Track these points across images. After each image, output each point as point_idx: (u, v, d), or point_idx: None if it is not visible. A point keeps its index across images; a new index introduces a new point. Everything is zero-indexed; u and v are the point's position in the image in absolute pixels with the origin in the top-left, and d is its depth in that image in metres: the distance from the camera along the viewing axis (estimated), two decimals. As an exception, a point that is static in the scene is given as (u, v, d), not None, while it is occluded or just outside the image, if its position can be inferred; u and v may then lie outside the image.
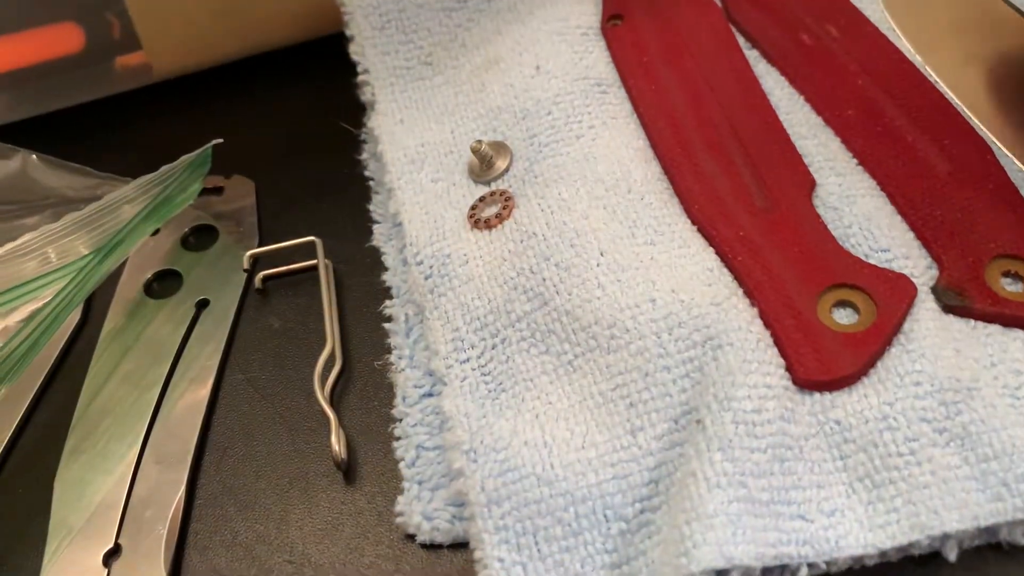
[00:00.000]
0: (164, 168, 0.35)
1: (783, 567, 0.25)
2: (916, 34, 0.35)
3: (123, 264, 0.36)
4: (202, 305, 0.35)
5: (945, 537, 0.25)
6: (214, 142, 0.36)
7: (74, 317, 0.35)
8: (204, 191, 0.38)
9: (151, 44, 0.40)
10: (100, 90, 0.41)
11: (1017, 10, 0.35)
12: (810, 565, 0.25)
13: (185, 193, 0.36)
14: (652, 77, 0.35)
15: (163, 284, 0.36)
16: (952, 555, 0.25)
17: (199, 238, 0.38)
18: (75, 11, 0.39)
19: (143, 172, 0.38)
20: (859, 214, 0.30)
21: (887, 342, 0.27)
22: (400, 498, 0.28)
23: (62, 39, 0.40)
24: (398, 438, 0.30)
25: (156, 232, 0.37)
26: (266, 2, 0.40)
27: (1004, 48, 0.34)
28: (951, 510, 0.25)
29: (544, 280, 0.30)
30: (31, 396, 0.33)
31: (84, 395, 0.33)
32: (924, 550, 0.25)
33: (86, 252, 0.34)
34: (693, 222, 0.31)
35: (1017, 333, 0.27)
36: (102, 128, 0.41)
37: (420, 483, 0.28)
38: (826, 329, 0.27)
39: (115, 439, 0.32)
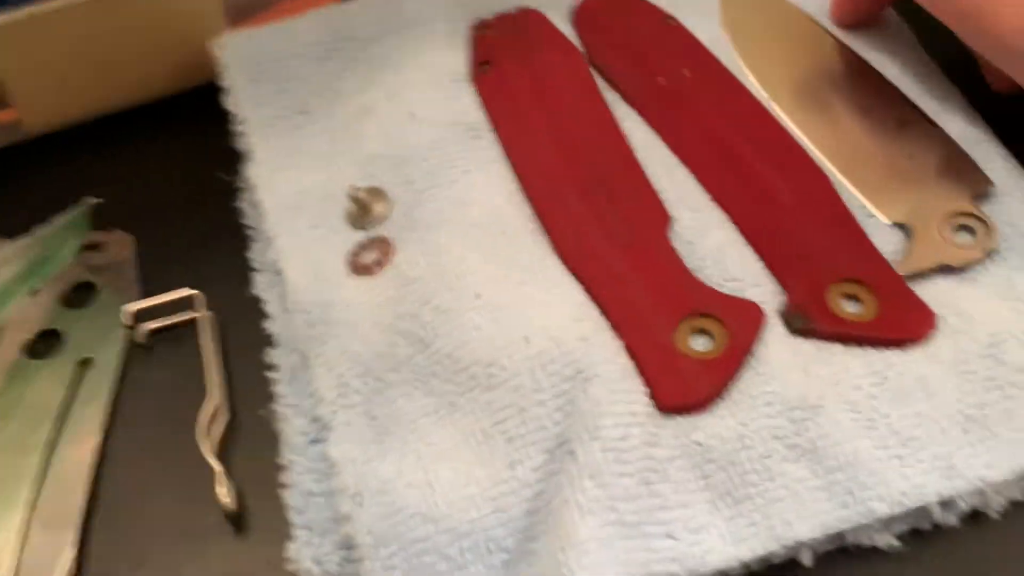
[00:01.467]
0: (39, 229, 0.35)
1: None
2: (764, 72, 0.39)
3: (1, 326, 0.36)
4: (85, 363, 0.36)
5: (799, 545, 0.27)
6: (90, 201, 0.36)
7: (-49, 382, 0.35)
8: (83, 247, 0.38)
9: (21, 101, 0.41)
10: (-32, 148, 0.41)
11: (852, 51, 0.39)
12: None
13: (63, 251, 0.36)
14: (520, 121, 0.37)
15: (44, 344, 0.36)
16: (807, 560, 0.28)
17: (79, 295, 0.38)
18: None
19: (18, 229, 0.38)
20: (711, 247, 0.33)
21: (740, 366, 0.30)
22: (291, 544, 0.29)
23: None
24: (287, 485, 0.31)
25: (35, 291, 0.37)
26: (139, 57, 0.41)
27: (842, 84, 0.38)
28: (803, 520, 0.27)
29: (424, 324, 0.32)
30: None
31: None
32: (782, 559, 0.28)
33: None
34: (562, 260, 0.33)
35: (857, 351, 0.30)
36: None
37: (310, 529, 0.29)
38: (684, 357, 0.30)
39: (0, 505, 0.32)
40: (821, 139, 0.36)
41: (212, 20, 0.41)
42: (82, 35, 0.39)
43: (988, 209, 0.33)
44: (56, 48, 0.39)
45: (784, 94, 0.38)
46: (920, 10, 0.36)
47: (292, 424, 0.32)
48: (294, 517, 0.30)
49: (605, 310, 0.31)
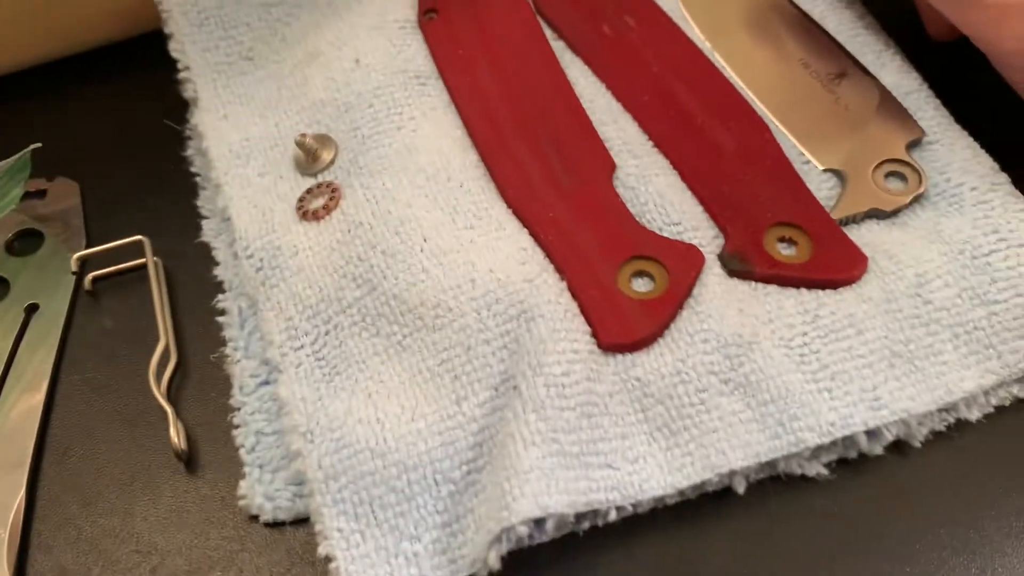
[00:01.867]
0: (-18, 175, 0.35)
1: (595, 512, 0.28)
2: (707, 23, 0.39)
3: (-57, 274, 0.36)
4: (31, 310, 0.36)
5: (732, 473, 0.29)
6: (32, 147, 0.36)
7: None
8: (27, 195, 0.38)
9: (-41, 45, 0.40)
10: (-95, 94, 0.41)
11: (793, 4, 0.39)
12: (618, 508, 0.28)
13: (6, 199, 0.36)
14: (467, 69, 0.38)
15: (-12, 292, 0.36)
16: (740, 488, 0.29)
17: (24, 243, 0.38)
18: None
19: (-41, 177, 0.38)
20: (654, 192, 0.34)
21: (679, 306, 0.31)
22: (242, 482, 0.30)
23: None
24: (237, 426, 0.32)
25: (-23, 240, 0.37)
26: (79, 3, 0.40)
27: (782, 36, 0.39)
28: (736, 449, 0.29)
29: (372, 267, 0.32)
30: None
31: None
32: (716, 487, 0.29)
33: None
34: (508, 205, 0.34)
35: (791, 292, 0.32)
36: None
37: (261, 467, 0.30)
38: (626, 298, 0.31)
39: (-52, 449, 0.32)
40: (760, 88, 0.37)
41: None
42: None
43: (919, 156, 0.35)
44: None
45: (725, 43, 0.39)
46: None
47: (242, 367, 0.32)
48: (245, 456, 0.31)
49: (549, 253, 0.32)
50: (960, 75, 0.38)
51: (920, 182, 0.34)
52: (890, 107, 0.36)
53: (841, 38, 0.38)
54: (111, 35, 0.42)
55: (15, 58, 0.42)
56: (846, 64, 0.37)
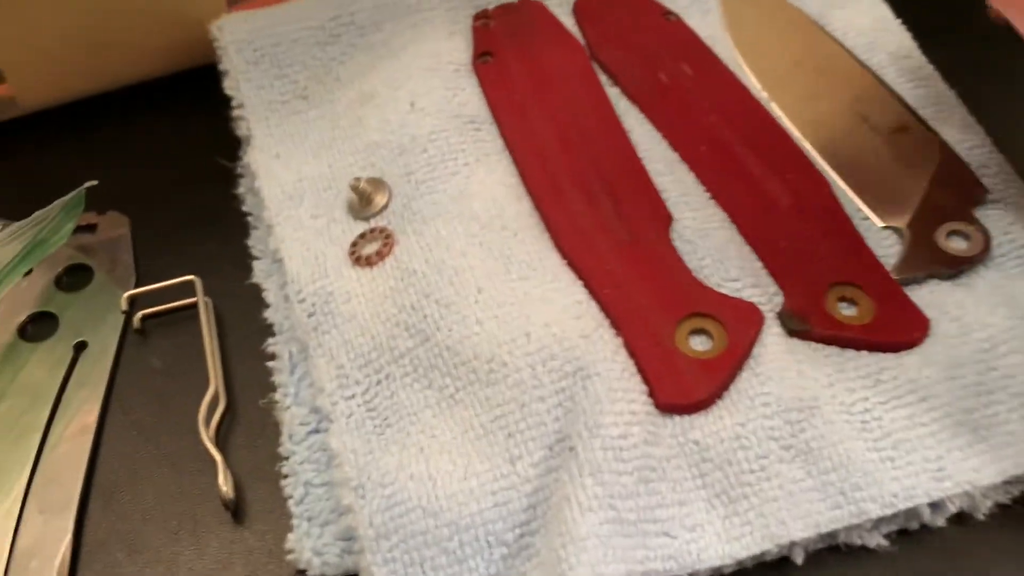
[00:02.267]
0: (38, 213, 0.35)
1: None
2: (764, 72, 0.39)
3: (-7, 307, 0.36)
4: (80, 347, 0.36)
5: (793, 544, 0.28)
6: (88, 184, 0.36)
7: (-56, 365, 0.35)
8: (76, 228, 0.38)
9: (15, 76, 0.40)
10: (-38, 124, 0.41)
11: (851, 54, 0.39)
12: None
13: (59, 234, 0.36)
14: (522, 114, 0.38)
15: (37, 326, 0.36)
16: (799, 559, 0.28)
17: (73, 278, 0.38)
18: None
19: (12, 206, 0.38)
20: (712, 247, 0.33)
21: (738, 367, 0.30)
22: (290, 535, 0.30)
23: None
24: (286, 476, 0.31)
25: (28, 272, 0.37)
26: (135, 35, 0.41)
27: (841, 87, 0.38)
28: (797, 520, 0.28)
29: (425, 317, 0.32)
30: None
31: None
32: (775, 556, 0.28)
33: (-47, 299, 0.34)
34: (562, 256, 0.34)
35: (852, 354, 0.31)
36: None
37: (309, 519, 0.30)
38: (684, 356, 0.30)
39: (-5, 489, 0.32)
40: (818, 141, 0.37)
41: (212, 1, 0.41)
42: (78, 11, 0.39)
43: (982, 215, 0.34)
44: (51, 24, 0.39)
45: (782, 93, 0.38)
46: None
47: (292, 414, 0.32)
48: (293, 508, 0.30)
49: (605, 306, 0.32)
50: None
51: (984, 242, 0.33)
52: (952, 164, 0.35)
53: (901, 89, 0.38)
54: (167, 68, 0.42)
55: (67, 89, 0.42)
56: (907, 118, 0.37)
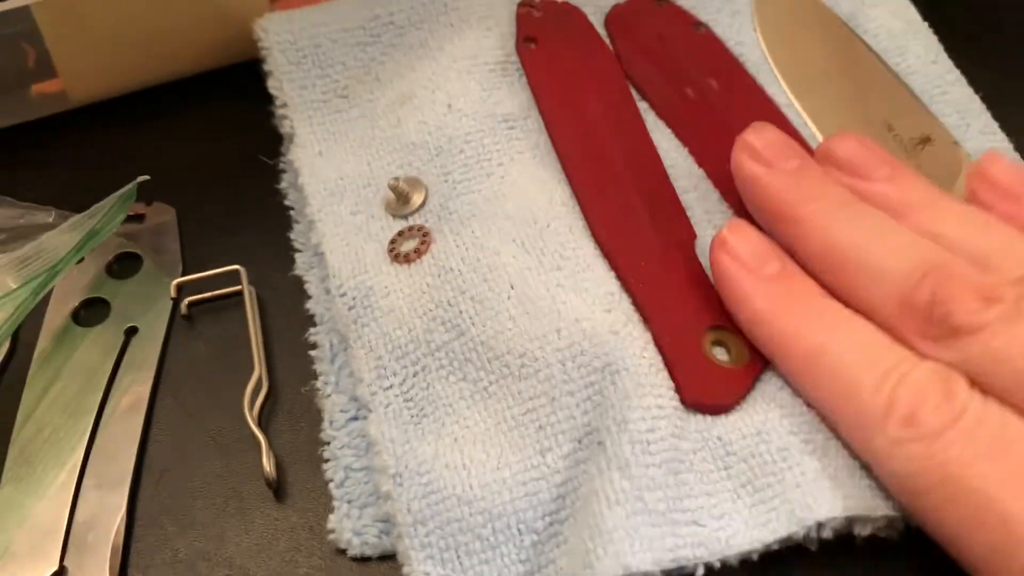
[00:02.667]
0: (95, 206, 0.37)
1: (681, 569, 0.28)
2: (793, 78, 0.40)
3: (48, 293, 0.38)
4: (131, 332, 0.37)
5: (819, 525, 0.29)
6: (141, 178, 0.38)
7: (3, 348, 0.37)
8: (126, 218, 0.40)
9: (67, 72, 0.42)
10: (16, 116, 0.42)
11: (881, 59, 0.40)
12: (704, 565, 0.29)
13: (111, 224, 0.38)
14: (565, 103, 0.38)
15: (90, 312, 0.38)
16: (827, 533, 0.29)
17: (123, 265, 0.39)
18: None
19: (63, 197, 0.40)
20: None
21: (758, 376, 0.31)
22: (331, 516, 0.31)
23: None
24: (327, 460, 0.33)
25: (80, 261, 0.39)
26: (182, 31, 0.42)
27: (870, 94, 0.39)
28: (821, 504, 0.29)
29: (461, 312, 0.33)
30: (-36, 427, 0.35)
31: (19, 423, 0.35)
32: (799, 540, 0.29)
33: (15, 286, 0.35)
34: (598, 243, 0.35)
35: None
36: (20, 154, 0.42)
37: (349, 502, 0.31)
38: (709, 362, 0.31)
39: (53, 465, 0.34)
40: None
41: None
42: (127, 9, 0.40)
43: None
44: (101, 20, 0.40)
45: (813, 101, 0.39)
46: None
47: (332, 402, 0.34)
48: (334, 490, 0.32)
49: (636, 301, 0.33)
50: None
51: None
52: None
53: (927, 97, 0.39)
54: (212, 63, 0.43)
55: (116, 84, 0.43)
56: (932, 127, 0.37)
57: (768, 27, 0.41)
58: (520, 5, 0.41)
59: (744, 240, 0.32)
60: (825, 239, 0.31)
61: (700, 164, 0.37)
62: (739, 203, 0.36)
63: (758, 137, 0.34)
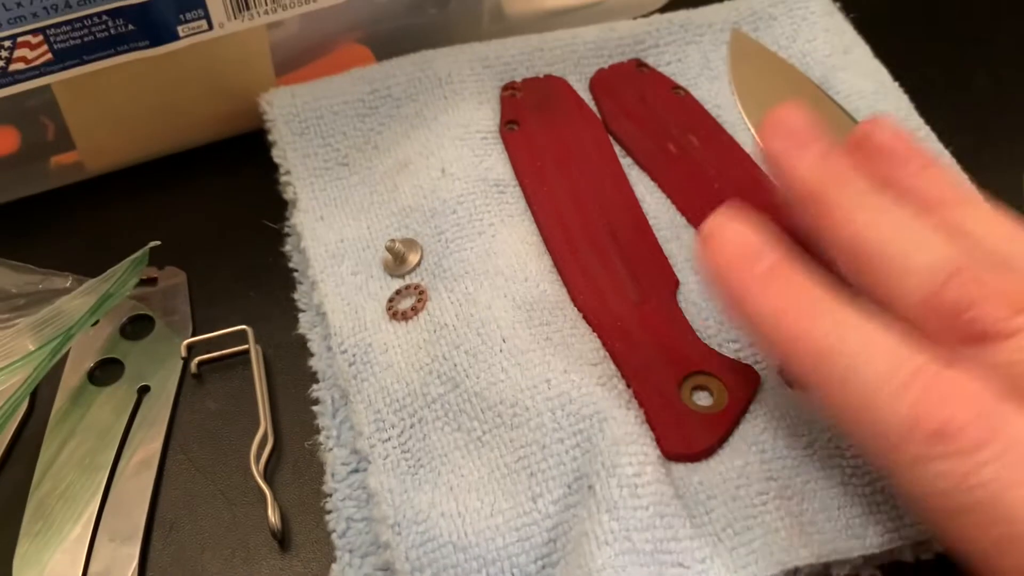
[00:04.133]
0: (109, 271, 0.38)
1: None
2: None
3: (65, 354, 0.39)
4: (143, 390, 0.38)
5: (796, 570, 0.29)
6: (152, 244, 0.39)
7: (21, 407, 0.37)
8: (139, 282, 0.41)
9: (84, 143, 0.43)
10: (35, 187, 0.44)
11: (850, 116, 0.41)
12: None
13: (124, 287, 0.39)
14: (543, 179, 0.39)
15: (104, 371, 0.38)
16: None
17: (136, 327, 0.40)
18: (12, 115, 0.41)
19: (79, 262, 0.41)
20: (713, 308, 0.35)
21: (737, 421, 0.32)
22: (334, 566, 0.32)
23: (0, 141, 0.42)
24: (329, 511, 0.33)
25: (95, 323, 0.39)
26: (193, 105, 0.43)
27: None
28: (800, 548, 0.29)
29: (455, 366, 0.34)
30: (-16, 482, 0.36)
31: (36, 479, 0.35)
32: None
33: (32, 348, 0.36)
34: (576, 308, 0.35)
35: None
36: (39, 222, 0.43)
37: (351, 551, 0.31)
38: (687, 410, 0.32)
39: (69, 519, 0.34)
40: None
41: (261, 72, 0.43)
42: (142, 85, 0.41)
43: None
44: (116, 95, 0.41)
45: None
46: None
47: (334, 455, 0.34)
48: (336, 540, 0.32)
49: (616, 361, 0.34)
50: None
51: None
52: None
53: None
54: (220, 134, 0.44)
55: (129, 155, 0.44)
56: None
57: (744, 89, 0.42)
58: (504, 89, 0.43)
59: (729, 234, 0.29)
60: (851, 228, 0.28)
61: (682, 212, 0.38)
62: None
63: (788, 116, 0.31)
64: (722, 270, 0.29)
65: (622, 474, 0.30)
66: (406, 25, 0.45)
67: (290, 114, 0.42)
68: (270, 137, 0.42)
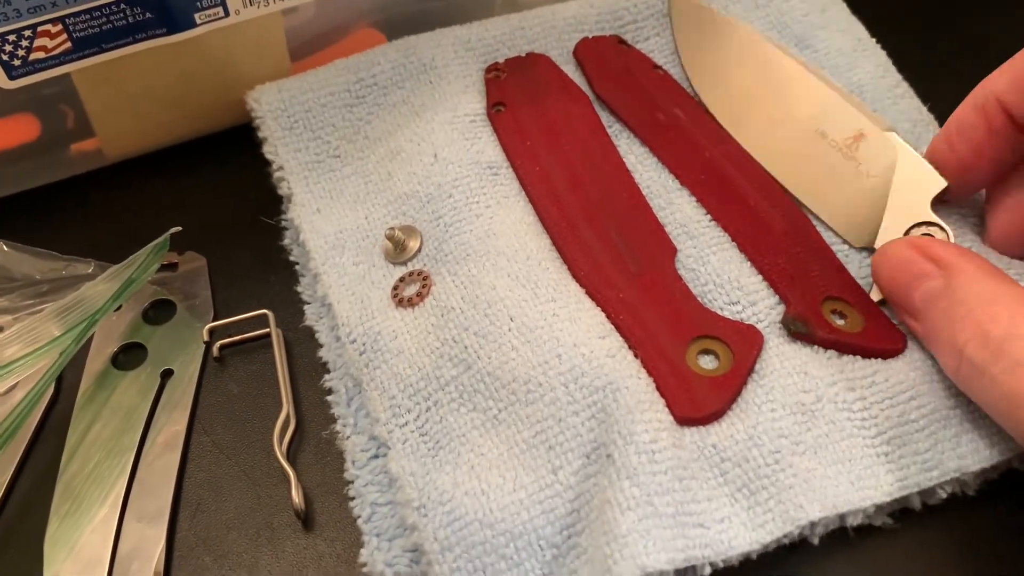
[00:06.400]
0: (131, 257, 0.34)
1: (692, 568, 0.26)
2: (722, 110, 0.36)
3: (89, 339, 0.35)
4: (166, 374, 0.34)
5: (812, 525, 0.27)
6: (173, 230, 0.35)
7: (48, 391, 0.34)
8: (160, 267, 0.37)
9: (104, 130, 0.38)
10: (56, 174, 0.39)
11: (805, 66, 0.36)
12: (711, 564, 0.26)
13: (146, 273, 0.35)
14: (534, 158, 0.35)
15: (128, 356, 0.35)
16: (815, 540, 0.27)
17: (158, 311, 0.36)
18: (33, 104, 0.37)
19: (101, 248, 0.37)
20: (712, 272, 0.32)
21: (744, 381, 0.29)
22: (363, 551, 0.28)
23: (20, 129, 0.38)
24: (352, 498, 0.29)
25: (118, 308, 0.36)
26: (209, 93, 0.38)
27: (798, 106, 0.35)
28: (813, 503, 0.27)
29: (466, 348, 0.30)
30: (14, 465, 0.32)
31: (64, 461, 0.31)
32: (796, 538, 0.27)
33: (58, 333, 0.33)
34: (578, 283, 0.32)
35: (848, 358, 0.30)
36: (61, 209, 0.39)
37: (378, 535, 0.28)
38: (695, 374, 0.29)
39: (97, 500, 0.30)
40: (783, 172, 0.34)
41: (277, 59, 0.39)
42: (161, 73, 0.37)
43: (947, 208, 0.32)
44: (136, 85, 0.37)
45: (743, 130, 0.36)
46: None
47: (353, 442, 0.30)
48: (362, 526, 0.28)
49: (621, 332, 0.30)
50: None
51: (947, 239, 0.30)
52: (909, 163, 0.32)
53: (880, 108, 0.36)
54: (237, 120, 0.40)
55: (148, 141, 0.40)
56: (861, 123, 0.33)
57: (692, 62, 0.38)
58: (487, 71, 0.38)
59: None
60: None
61: (675, 175, 0.34)
62: (717, 209, 0.33)
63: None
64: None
65: (639, 441, 0.27)
66: (420, 9, 0.40)
67: (278, 109, 0.37)
68: (260, 134, 0.37)
